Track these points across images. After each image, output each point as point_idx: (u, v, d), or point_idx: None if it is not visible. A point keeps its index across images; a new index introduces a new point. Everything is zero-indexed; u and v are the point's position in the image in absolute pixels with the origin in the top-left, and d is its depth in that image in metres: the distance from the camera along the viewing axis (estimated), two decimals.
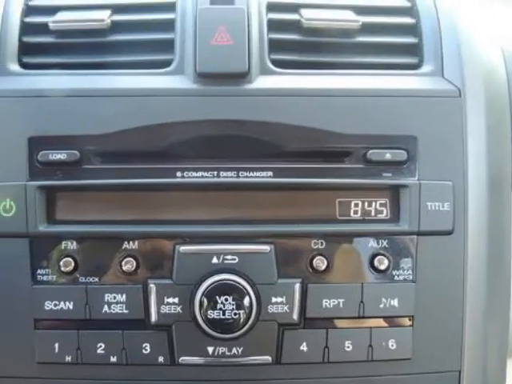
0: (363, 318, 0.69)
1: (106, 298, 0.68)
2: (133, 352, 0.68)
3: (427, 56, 0.75)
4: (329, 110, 0.70)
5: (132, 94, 0.70)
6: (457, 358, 0.71)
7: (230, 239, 0.69)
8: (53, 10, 0.76)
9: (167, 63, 0.73)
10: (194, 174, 0.70)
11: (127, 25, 0.76)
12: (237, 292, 0.67)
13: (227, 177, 0.70)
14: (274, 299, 0.68)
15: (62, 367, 0.69)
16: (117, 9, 0.77)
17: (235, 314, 0.67)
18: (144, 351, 0.68)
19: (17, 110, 0.70)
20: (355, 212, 0.71)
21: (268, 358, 0.69)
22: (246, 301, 0.67)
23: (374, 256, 0.70)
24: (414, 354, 0.70)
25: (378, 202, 0.71)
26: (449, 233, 0.70)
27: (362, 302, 0.69)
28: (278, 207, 0.71)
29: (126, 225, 0.70)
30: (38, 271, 0.69)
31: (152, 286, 0.68)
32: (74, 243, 0.69)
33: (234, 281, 0.67)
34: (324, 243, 0.70)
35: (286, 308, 0.68)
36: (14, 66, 0.73)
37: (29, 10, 0.77)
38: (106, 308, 0.68)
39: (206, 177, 0.70)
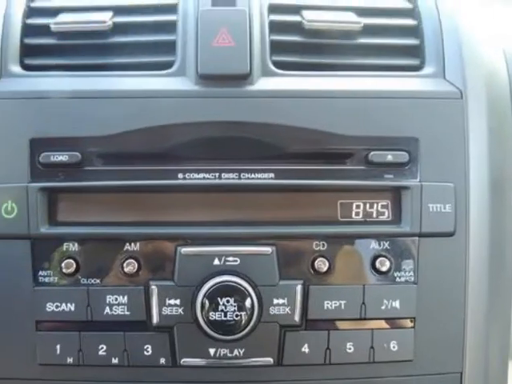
0: (365, 319, 0.69)
1: (108, 299, 0.68)
2: (134, 354, 0.68)
3: (429, 58, 0.75)
4: (330, 111, 0.70)
5: (133, 95, 0.70)
6: (458, 360, 0.71)
7: (232, 241, 0.69)
8: (54, 12, 0.77)
9: (169, 65, 0.73)
10: (196, 175, 0.70)
11: (129, 26, 0.76)
12: (238, 294, 0.67)
13: (229, 178, 0.70)
14: (275, 301, 0.68)
15: (64, 369, 0.69)
16: (118, 10, 0.77)
17: (237, 316, 0.67)
18: (145, 353, 0.68)
19: (18, 112, 0.70)
20: (357, 213, 0.71)
21: (269, 360, 0.69)
22: (248, 302, 0.67)
23: (375, 257, 0.70)
24: (415, 356, 0.70)
25: (379, 204, 0.71)
26: (450, 234, 0.70)
27: (363, 303, 0.69)
28: (280, 209, 0.71)
29: (127, 226, 0.70)
30: (40, 273, 0.69)
31: (154, 287, 0.68)
32: (76, 245, 0.69)
33: (235, 282, 0.67)
34: (325, 245, 0.70)
35: (287, 309, 0.68)
36: (16, 68, 0.74)
37: (30, 12, 0.77)
38: (107, 310, 0.68)
39: (208, 178, 0.70)
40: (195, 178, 0.70)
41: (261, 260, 0.69)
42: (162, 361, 0.69)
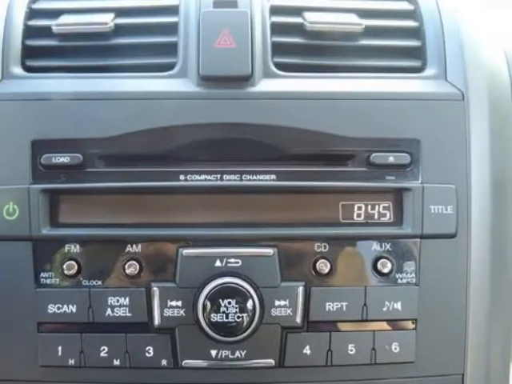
0: (366, 321, 0.69)
1: (110, 301, 0.68)
2: (136, 355, 0.68)
3: (430, 59, 0.75)
4: (332, 113, 0.70)
5: (135, 97, 0.70)
6: (460, 361, 0.71)
7: (233, 242, 0.69)
8: (56, 14, 0.77)
9: (170, 66, 0.73)
10: (198, 177, 0.70)
11: (130, 28, 0.76)
12: (240, 295, 0.67)
13: (230, 180, 0.70)
14: (277, 302, 0.68)
15: (65, 370, 0.69)
16: (120, 12, 0.77)
17: (238, 318, 0.67)
18: (147, 354, 0.68)
19: (20, 113, 0.70)
20: (358, 215, 0.71)
21: (271, 362, 0.69)
22: (250, 304, 0.67)
23: (377, 259, 0.70)
24: (417, 358, 0.70)
25: (381, 206, 0.71)
26: (452, 236, 0.70)
27: (365, 305, 0.69)
28: (281, 210, 0.71)
29: (129, 228, 0.70)
30: (41, 274, 0.69)
31: (155, 289, 0.68)
32: (78, 246, 0.69)
33: (237, 284, 0.67)
34: (327, 246, 0.70)
35: (289, 311, 0.68)
36: (18, 70, 0.74)
37: (32, 14, 0.77)
38: (109, 311, 0.68)
39: (210, 180, 0.70)
40: (197, 180, 0.70)
41: (262, 262, 0.69)
42: (164, 362, 0.68)
